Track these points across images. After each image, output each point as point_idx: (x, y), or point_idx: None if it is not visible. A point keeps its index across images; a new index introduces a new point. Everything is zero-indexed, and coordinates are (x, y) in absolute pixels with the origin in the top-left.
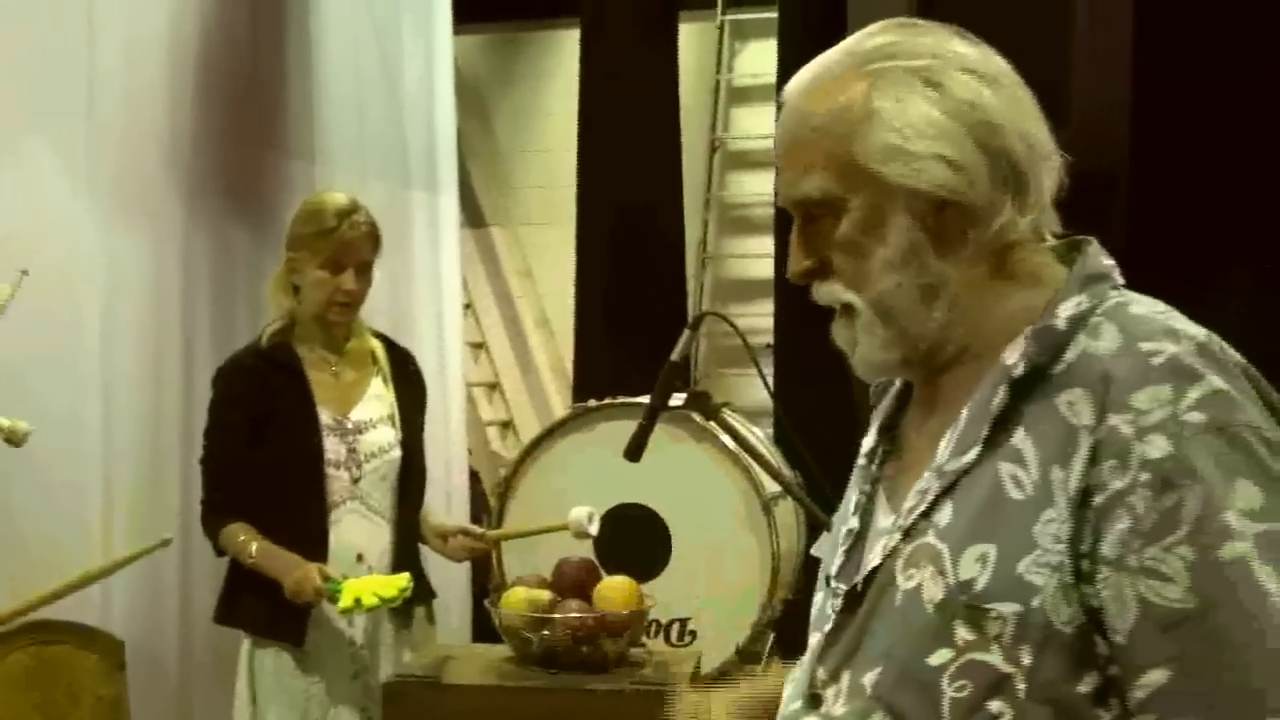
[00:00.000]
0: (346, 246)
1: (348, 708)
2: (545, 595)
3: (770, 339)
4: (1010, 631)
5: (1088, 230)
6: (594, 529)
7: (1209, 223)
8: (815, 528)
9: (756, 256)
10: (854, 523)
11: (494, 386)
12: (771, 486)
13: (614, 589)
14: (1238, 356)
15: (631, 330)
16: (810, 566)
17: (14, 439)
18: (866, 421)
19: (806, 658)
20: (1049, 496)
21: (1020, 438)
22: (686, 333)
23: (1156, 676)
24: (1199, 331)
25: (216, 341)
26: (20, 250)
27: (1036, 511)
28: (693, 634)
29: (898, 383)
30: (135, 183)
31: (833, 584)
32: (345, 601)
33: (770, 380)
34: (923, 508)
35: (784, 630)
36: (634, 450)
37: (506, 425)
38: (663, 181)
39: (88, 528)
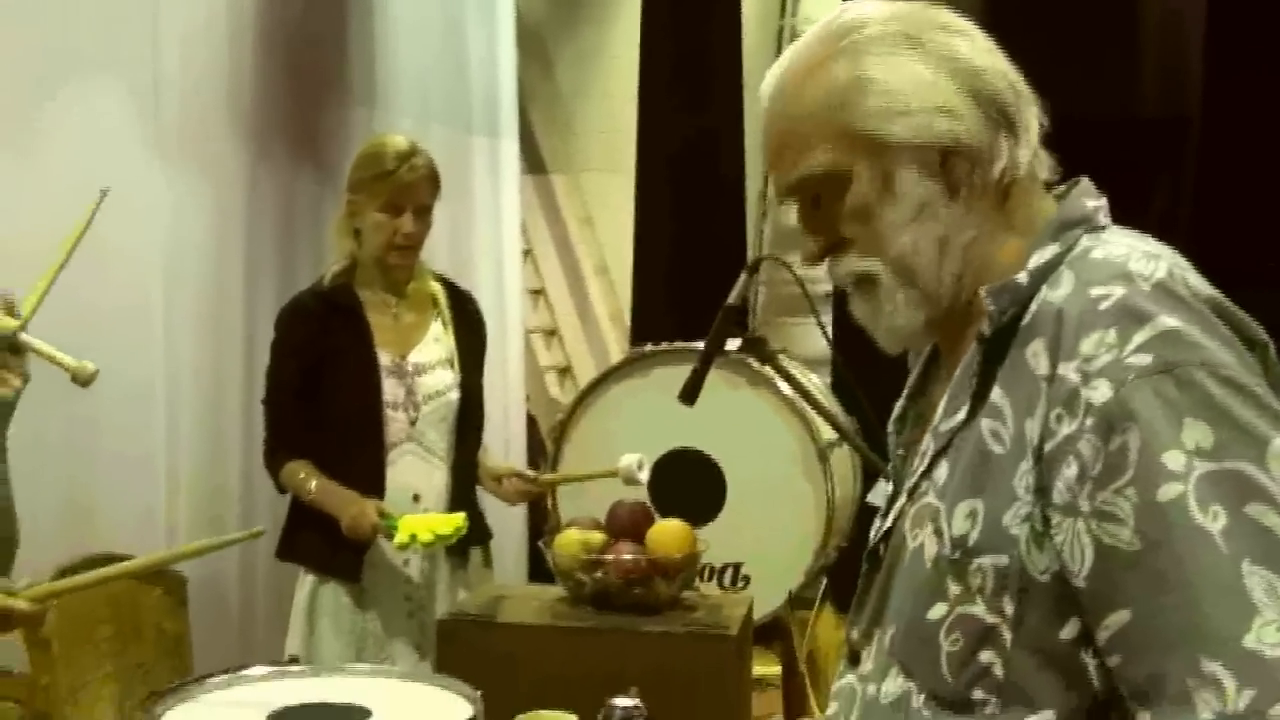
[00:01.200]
0: (405, 189)
1: (403, 644)
2: (599, 537)
3: (830, 287)
4: (990, 584)
5: (1156, 176)
6: (644, 476)
7: None
8: (871, 475)
9: None
10: (889, 488)
11: (552, 333)
12: (828, 433)
13: (667, 532)
14: (1208, 291)
15: (691, 277)
16: (865, 515)
17: (81, 378)
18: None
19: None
20: (1023, 449)
21: (998, 394)
22: (744, 276)
23: (1117, 618)
24: (1159, 269)
25: (279, 288)
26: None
27: (1015, 464)
28: (746, 579)
29: (927, 349)
30: (199, 133)
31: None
32: (401, 537)
33: (829, 328)
34: (923, 468)
35: (837, 577)
36: (689, 394)
37: (564, 371)
38: (725, 128)
39: (152, 474)
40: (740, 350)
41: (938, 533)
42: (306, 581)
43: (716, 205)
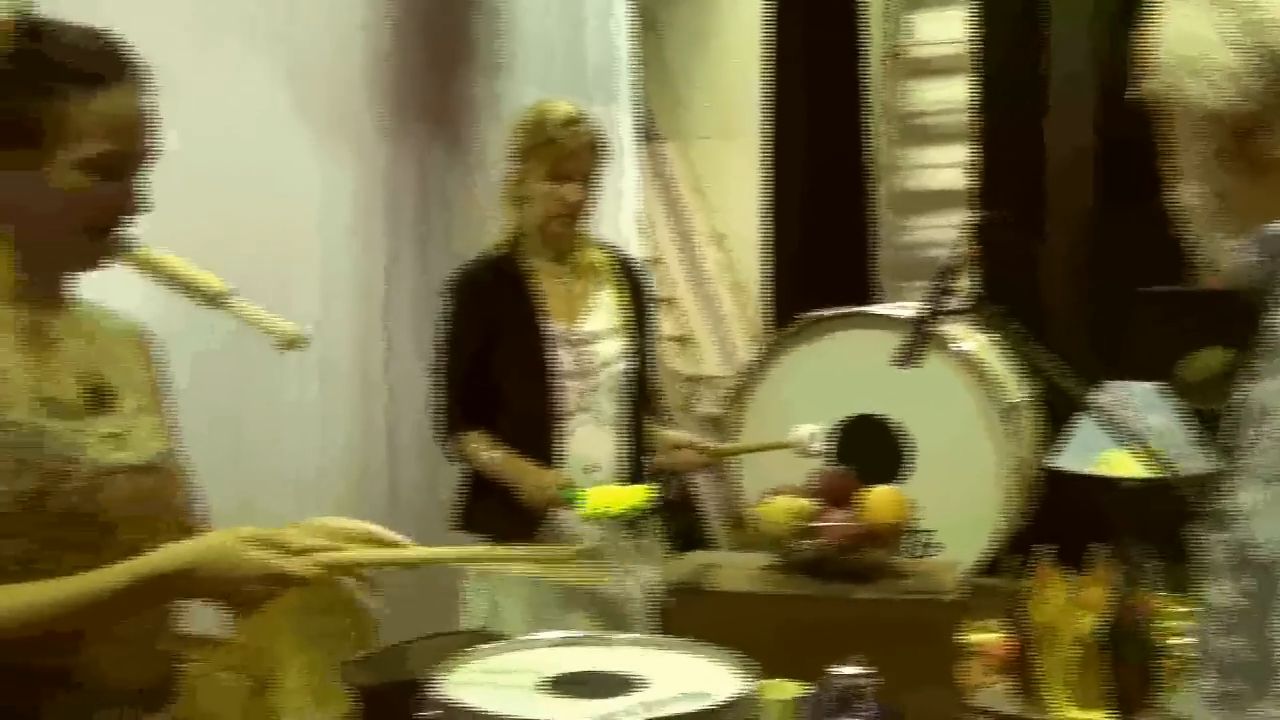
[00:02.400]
0: (569, 156)
1: (581, 613)
2: (809, 504)
3: (946, 252)
4: (1228, 560)
5: None
6: (819, 447)
7: None
8: (1053, 437)
9: (934, 167)
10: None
11: (669, 302)
12: (1011, 395)
13: (881, 498)
14: None
15: (820, 242)
16: (1049, 478)
17: (287, 340)
18: (1060, 325)
19: None
20: None
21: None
22: (961, 235)
23: None
24: None
25: (416, 258)
26: (245, 187)
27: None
28: (930, 545)
29: None
30: (339, 106)
31: None
32: (588, 509)
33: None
34: (1231, 443)
35: (1024, 541)
36: (906, 357)
37: (683, 341)
38: (845, 89)
39: (304, 436)
40: (967, 310)
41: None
42: None
43: (842, 169)
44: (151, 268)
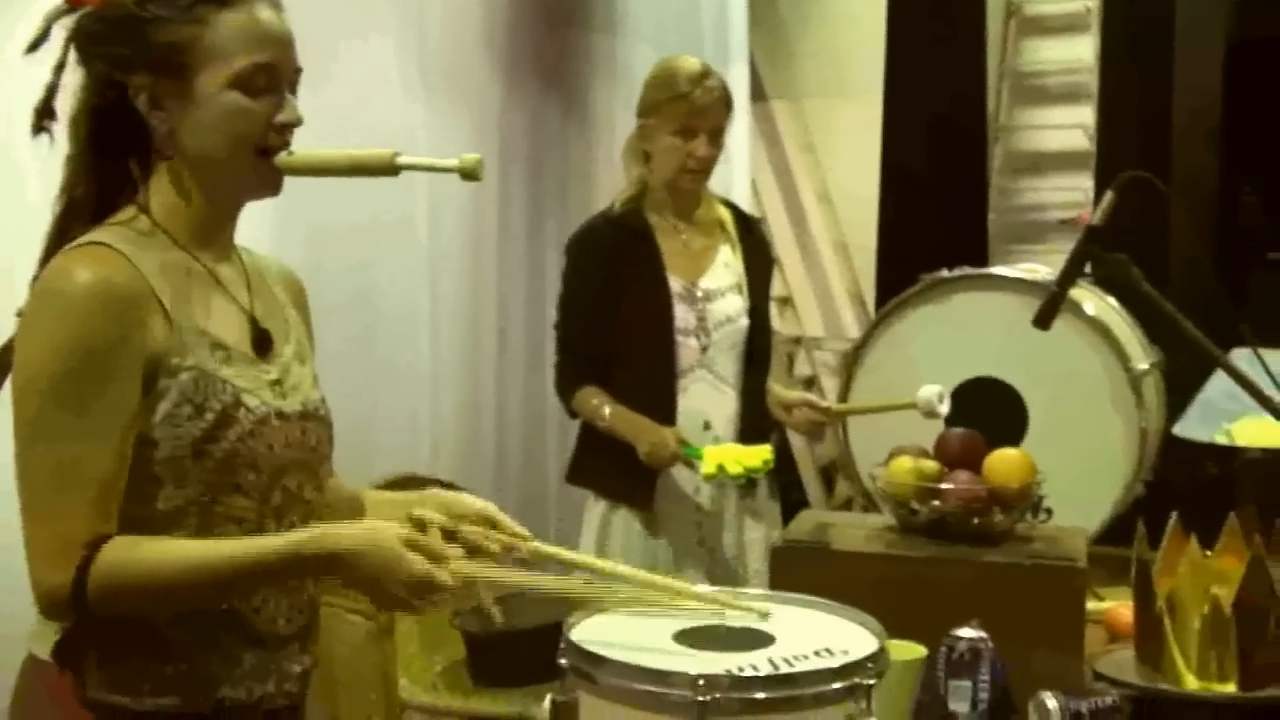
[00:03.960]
0: (700, 112)
1: (693, 571)
2: (933, 465)
3: (1063, 215)
4: None
5: None
6: (944, 409)
7: None
8: (1179, 406)
9: (1052, 128)
10: None
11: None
12: (1139, 361)
13: (1007, 461)
14: None
15: (935, 203)
16: (1173, 448)
17: (467, 169)
18: (1184, 289)
19: None
20: None
21: None
22: (1109, 194)
23: None
24: None
25: (529, 214)
26: (360, 142)
27: None
28: (1048, 511)
29: None
30: (457, 64)
31: None
32: (708, 468)
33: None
34: None
35: (1147, 509)
36: (1044, 318)
37: (785, 301)
38: (966, 50)
39: (416, 394)
40: (1099, 271)
41: None
42: (597, 507)
43: (958, 129)
44: (318, 165)
